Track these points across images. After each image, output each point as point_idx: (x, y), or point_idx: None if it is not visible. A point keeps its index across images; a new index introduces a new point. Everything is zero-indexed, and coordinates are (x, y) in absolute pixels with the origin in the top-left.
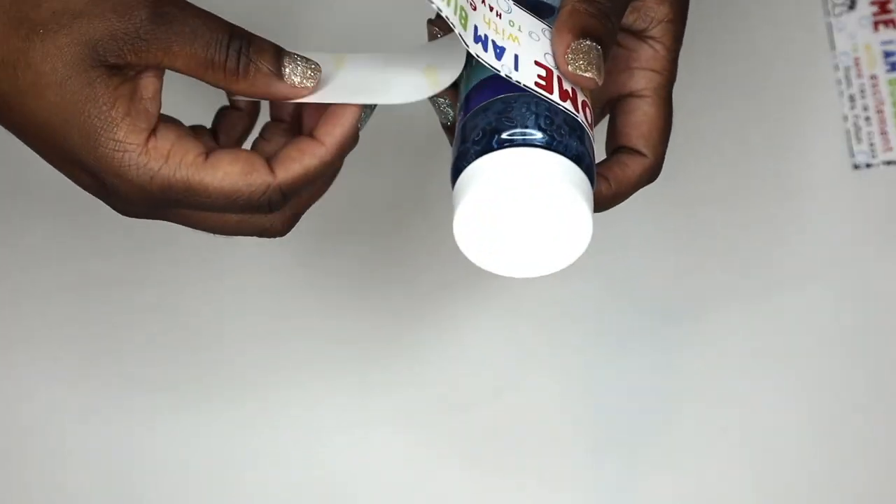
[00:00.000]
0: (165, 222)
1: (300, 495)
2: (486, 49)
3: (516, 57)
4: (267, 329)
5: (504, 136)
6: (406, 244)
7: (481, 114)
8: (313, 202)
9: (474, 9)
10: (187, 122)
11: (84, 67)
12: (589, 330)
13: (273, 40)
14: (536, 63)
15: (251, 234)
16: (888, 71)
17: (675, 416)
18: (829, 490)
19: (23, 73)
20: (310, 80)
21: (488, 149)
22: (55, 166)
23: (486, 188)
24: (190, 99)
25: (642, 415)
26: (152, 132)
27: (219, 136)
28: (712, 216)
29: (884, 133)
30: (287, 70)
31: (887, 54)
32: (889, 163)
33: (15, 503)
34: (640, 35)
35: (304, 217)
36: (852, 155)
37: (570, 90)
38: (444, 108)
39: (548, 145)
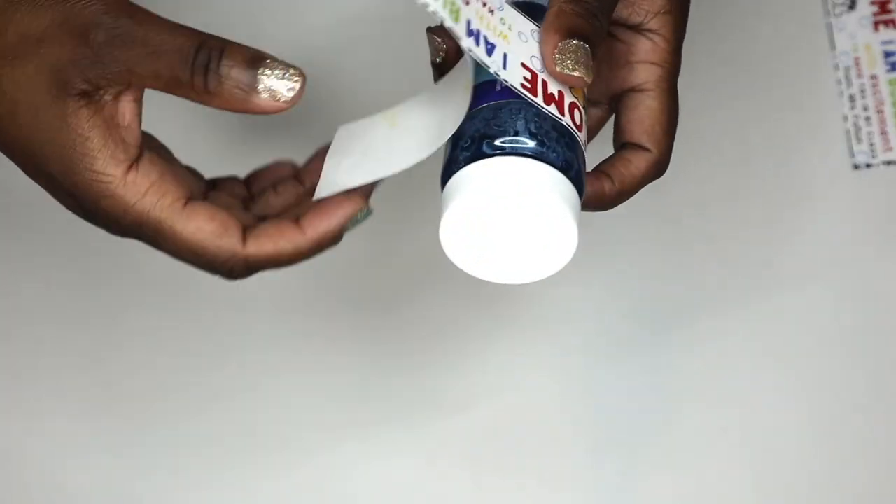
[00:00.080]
0: None
1: (300, 495)
2: (478, 44)
3: (505, 56)
4: (267, 331)
5: (492, 143)
6: (406, 245)
7: (469, 120)
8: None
9: (467, 3)
10: (186, 123)
11: (55, 96)
12: (589, 330)
13: (275, 40)
14: (523, 65)
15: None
16: (888, 71)
17: (675, 416)
18: (829, 490)
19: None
20: (290, 92)
21: (476, 156)
22: (39, 185)
23: (472, 196)
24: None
25: (642, 415)
26: (133, 163)
27: (219, 189)
28: (712, 216)
29: (884, 133)
30: (263, 81)
31: (887, 54)
32: (889, 163)
33: (15, 503)
34: (637, 29)
35: None
36: (852, 155)
37: (555, 93)
38: (440, 45)
39: (535, 154)
